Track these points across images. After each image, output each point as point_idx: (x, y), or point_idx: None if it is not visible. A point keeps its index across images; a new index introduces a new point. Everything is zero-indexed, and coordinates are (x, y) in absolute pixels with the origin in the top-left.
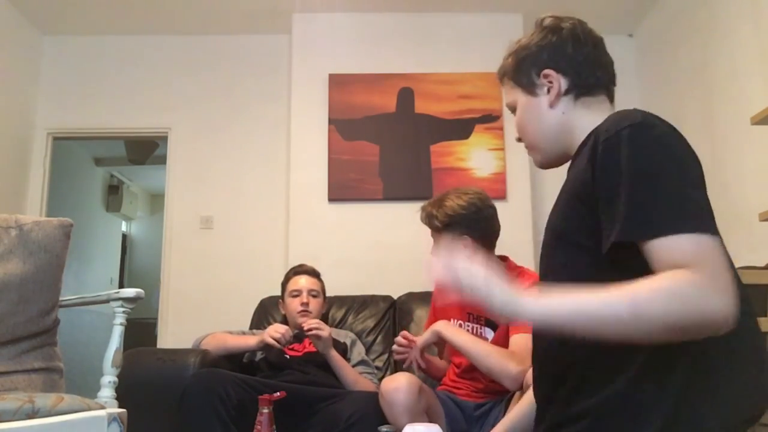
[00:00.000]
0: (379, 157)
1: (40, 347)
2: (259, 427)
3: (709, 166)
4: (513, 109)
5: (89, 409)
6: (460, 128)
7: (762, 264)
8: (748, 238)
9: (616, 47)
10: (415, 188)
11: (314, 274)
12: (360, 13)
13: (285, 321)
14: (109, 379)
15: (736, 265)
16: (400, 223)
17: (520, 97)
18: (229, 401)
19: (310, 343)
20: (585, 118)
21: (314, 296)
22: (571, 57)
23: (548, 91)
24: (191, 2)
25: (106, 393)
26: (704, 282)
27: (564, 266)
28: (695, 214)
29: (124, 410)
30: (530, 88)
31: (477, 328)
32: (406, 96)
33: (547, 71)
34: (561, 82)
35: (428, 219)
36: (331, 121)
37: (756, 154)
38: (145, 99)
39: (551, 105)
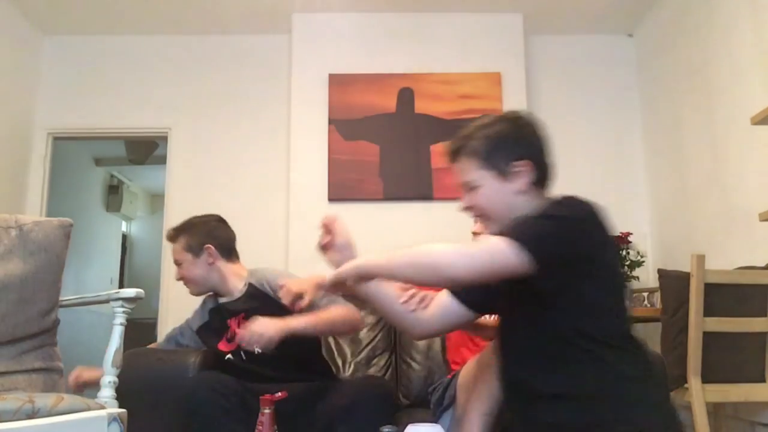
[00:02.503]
0: (379, 157)
1: (40, 347)
2: (260, 427)
3: (709, 166)
4: (469, 186)
5: (89, 409)
6: (460, 128)
7: (762, 264)
8: (748, 238)
9: (616, 47)
10: (415, 188)
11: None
12: (360, 13)
13: None
14: (109, 379)
15: (736, 265)
16: (401, 223)
17: (488, 181)
18: (234, 397)
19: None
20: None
21: (178, 265)
22: (539, 151)
23: (519, 178)
24: (191, 2)
25: (106, 393)
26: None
27: None
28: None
29: (124, 410)
30: (503, 175)
31: None
32: (406, 96)
33: (522, 161)
34: (532, 172)
35: None
36: (331, 121)
37: (756, 154)
38: (145, 99)
39: (521, 191)
